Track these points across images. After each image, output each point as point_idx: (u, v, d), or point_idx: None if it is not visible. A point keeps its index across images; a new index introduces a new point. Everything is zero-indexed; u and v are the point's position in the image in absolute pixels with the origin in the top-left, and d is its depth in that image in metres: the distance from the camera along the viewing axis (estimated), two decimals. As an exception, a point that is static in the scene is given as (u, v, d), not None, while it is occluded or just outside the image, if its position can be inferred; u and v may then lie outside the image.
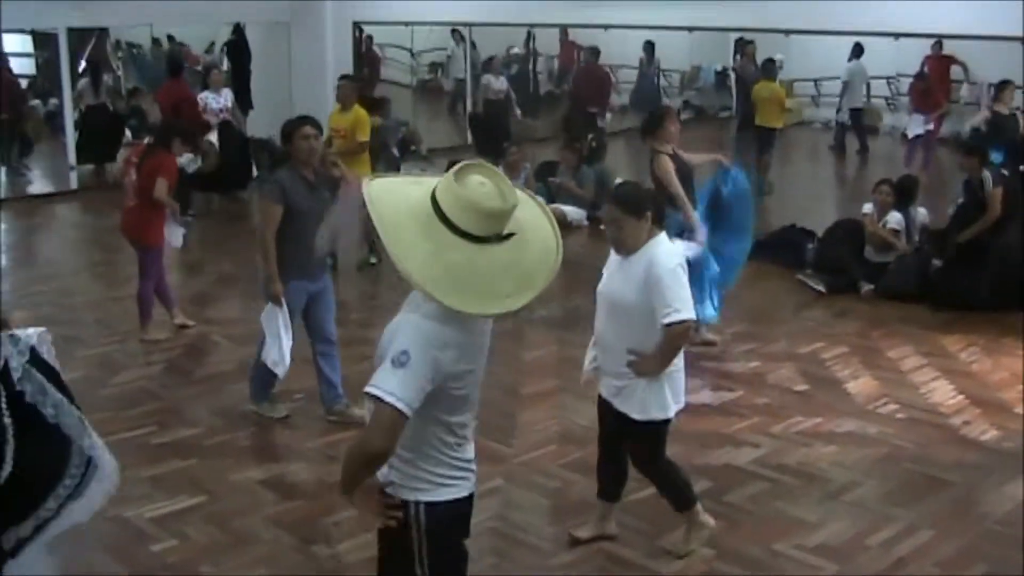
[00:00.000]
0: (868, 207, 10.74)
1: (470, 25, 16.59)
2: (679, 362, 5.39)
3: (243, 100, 15.72)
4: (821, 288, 10.52)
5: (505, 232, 3.30)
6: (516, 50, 18.64)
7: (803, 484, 6.47)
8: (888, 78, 16.09)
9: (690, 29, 14.40)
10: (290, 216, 6.85)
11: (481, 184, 3.27)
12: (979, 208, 10.04)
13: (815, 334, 9.29)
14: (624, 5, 13.54)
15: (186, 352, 8.82)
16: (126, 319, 9.34)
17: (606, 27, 15.02)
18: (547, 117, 18.40)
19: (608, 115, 16.73)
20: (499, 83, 16.69)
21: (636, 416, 5.29)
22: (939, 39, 14.17)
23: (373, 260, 11.19)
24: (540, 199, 3.60)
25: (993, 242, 9.98)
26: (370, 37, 17.06)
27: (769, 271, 10.96)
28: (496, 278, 3.28)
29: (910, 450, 6.95)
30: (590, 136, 14.37)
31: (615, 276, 5.33)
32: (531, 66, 18.57)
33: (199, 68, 17.08)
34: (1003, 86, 12.28)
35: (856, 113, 15.96)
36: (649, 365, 5.21)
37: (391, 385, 3.26)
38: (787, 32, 13.08)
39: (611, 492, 5.74)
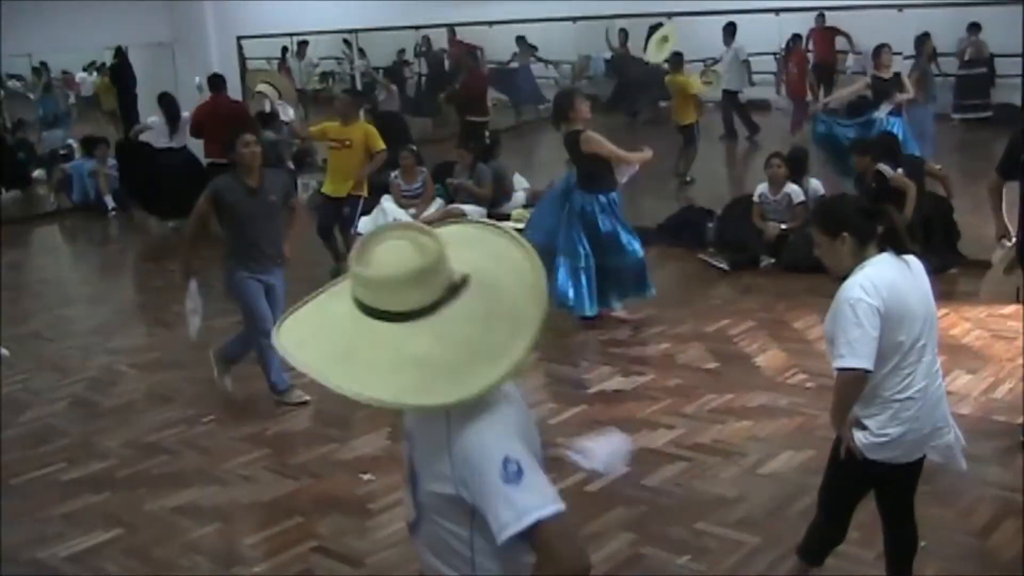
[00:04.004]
0: (762, 187, 10.77)
1: (356, 31, 16.47)
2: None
3: (129, 123, 15.57)
4: (724, 266, 10.60)
5: (454, 282, 2.58)
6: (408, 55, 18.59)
7: (720, 461, 6.51)
8: (775, 54, 16.27)
9: (575, 19, 14.44)
10: (227, 215, 7.56)
11: (387, 252, 2.56)
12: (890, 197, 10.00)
13: (721, 311, 9.37)
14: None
15: (91, 385, 8.62)
16: (26, 357, 9.15)
17: (491, 23, 15.03)
18: (442, 118, 18.34)
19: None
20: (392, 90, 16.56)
21: None
22: (821, 11, 14.37)
23: None
24: (503, 226, 2.86)
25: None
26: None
27: (671, 253, 11.06)
28: (481, 336, 2.57)
29: (822, 418, 6.98)
30: (485, 132, 14.34)
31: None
32: (421, 68, 18.49)
33: (81, 95, 16.81)
34: (879, 50, 12.21)
35: (730, 95, 16.04)
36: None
37: (535, 500, 2.54)
38: (669, 15, 13.17)
39: None
